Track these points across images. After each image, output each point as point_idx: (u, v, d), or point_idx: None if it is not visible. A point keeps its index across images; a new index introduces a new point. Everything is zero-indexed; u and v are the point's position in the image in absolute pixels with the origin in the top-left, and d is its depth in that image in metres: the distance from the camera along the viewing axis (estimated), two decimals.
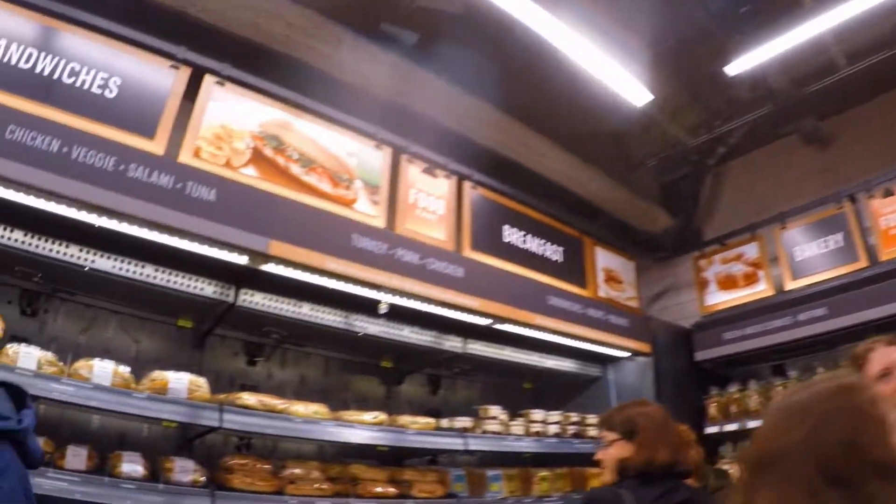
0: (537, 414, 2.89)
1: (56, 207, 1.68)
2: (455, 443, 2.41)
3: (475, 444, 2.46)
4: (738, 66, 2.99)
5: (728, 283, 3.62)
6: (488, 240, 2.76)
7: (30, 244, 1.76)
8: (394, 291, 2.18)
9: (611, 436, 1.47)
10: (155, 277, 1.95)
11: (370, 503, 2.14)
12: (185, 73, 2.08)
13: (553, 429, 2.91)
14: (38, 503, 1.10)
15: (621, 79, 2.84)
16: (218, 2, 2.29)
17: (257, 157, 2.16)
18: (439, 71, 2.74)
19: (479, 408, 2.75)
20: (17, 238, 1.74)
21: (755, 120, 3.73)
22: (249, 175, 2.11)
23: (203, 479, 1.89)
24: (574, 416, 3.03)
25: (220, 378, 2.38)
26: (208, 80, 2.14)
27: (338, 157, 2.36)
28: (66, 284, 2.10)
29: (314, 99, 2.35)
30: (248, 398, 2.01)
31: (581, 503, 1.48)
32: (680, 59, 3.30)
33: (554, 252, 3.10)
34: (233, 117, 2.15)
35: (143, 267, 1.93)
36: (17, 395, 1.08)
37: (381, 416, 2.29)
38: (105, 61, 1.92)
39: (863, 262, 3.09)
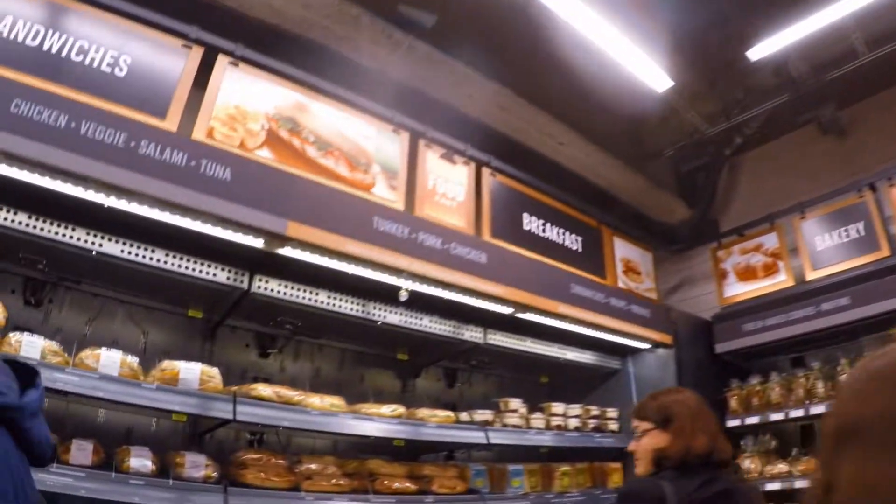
0: (558, 407, 2.80)
1: (63, 186, 1.59)
2: (476, 436, 2.33)
3: (496, 438, 2.38)
4: (761, 50, 2.93)
5: (747, 273, 3.55)
6: (508, 228, 2.68)
7: (35, 227, 1.67)
8: (415, 277, 2.09)
9: (644, 425, 1.41)
10: (165, 263, 1.86)
11: (389, 499, 2.05)
12: (197, 53, 2.01)
13: (573, 422, 2.83)
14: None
15: (642, 63, 2.78)
16: None
17: (272, 139, 2.08)
18: (458, 54, 2.66)
19: (500, 400, 2.67)
20: (21, 221, 1.65)
21: (773, 109, 3.67)
22: (265, 157, 2.03)
23: (215, 474, 1.80)
24: (594, 410, 2.95)
25: (231, 371, 2.28)
26: (222, 61, 2.07)
27: (355, 140, 2.28)
28: (71, 272, 2.01)
29: (330, 82, 2.27)
30: (264, 389, 1.92)
31: (620, 495, 1.40)
32: (698, 45, 3.24)
33: (573, 241, 3.03)
34: (247, 98, 2.08)
35: (153, 252, 1.84)
36: (26, 375, 0.95)
37: (400, 409, 2.20)
38: (115, 39, 1.86)
39: (884, 252, 3.03)
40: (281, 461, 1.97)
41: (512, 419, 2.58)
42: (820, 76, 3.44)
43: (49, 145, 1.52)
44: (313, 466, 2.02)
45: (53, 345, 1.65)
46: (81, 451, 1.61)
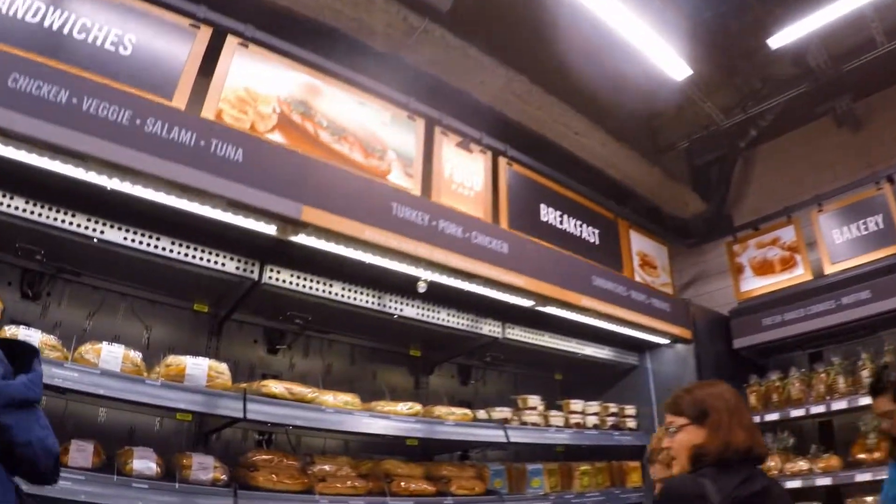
0: (576, 404, 2.72)
1: (62, 167, 1.49)
2: (496, 435, 2.23)
3: (516, 437, 2.28)
4: (782, 38, 2.87)
5: (764, 268, 3.49)
6: (526, 218, 2.60)
7: (32, 212, 1.56)
8: (435, 267, 1.99)
9: (679, 421, 1.32)
10: (171, 251, 1.75)
11: (407, 502, 1.94)
12: (205, 33, 1.92)
13: (592, 420, 2.75)
14: None
15: (660, 51, 2.71)
16: None
17: (284, 123, 1.98)
18: (473, 40, 2.57)
19: (518, 398, 2.57)
20: (17, 206, 1.54)
21: (789, 100, 3.62)
22: (277, 141, 1.93)
23: (224, 477, 1.69)
24: (612, 407, 2.87)
25: (238, 368, 2.19)
26: (231, 41, 1.97)
27: (369, 126, 2.19)
28: (71, 263, 1.90)
29: (343, 66, 2.18)
30: (275, 386, 1.81)
31: (659, 495, 1.32)
32: (718, 34, 3.18)
33: (590, 234, 2.95)
34: (257, 81, 1.98)
35: (157, 240, 1.73)
36: (22, 358, 0.79)
37: (417, 407, 2.10)
38: (119, 17, 1.77)
39: None
40: (293, 462, 1.87)
41: (531, 417, 2.49)
42: (838, 66, 3.39)
43: (48, 122, 1.41)
44: (327, 467, 1.92)
45: (51, 339, 1.55)
46: (81, 452, 1.51)
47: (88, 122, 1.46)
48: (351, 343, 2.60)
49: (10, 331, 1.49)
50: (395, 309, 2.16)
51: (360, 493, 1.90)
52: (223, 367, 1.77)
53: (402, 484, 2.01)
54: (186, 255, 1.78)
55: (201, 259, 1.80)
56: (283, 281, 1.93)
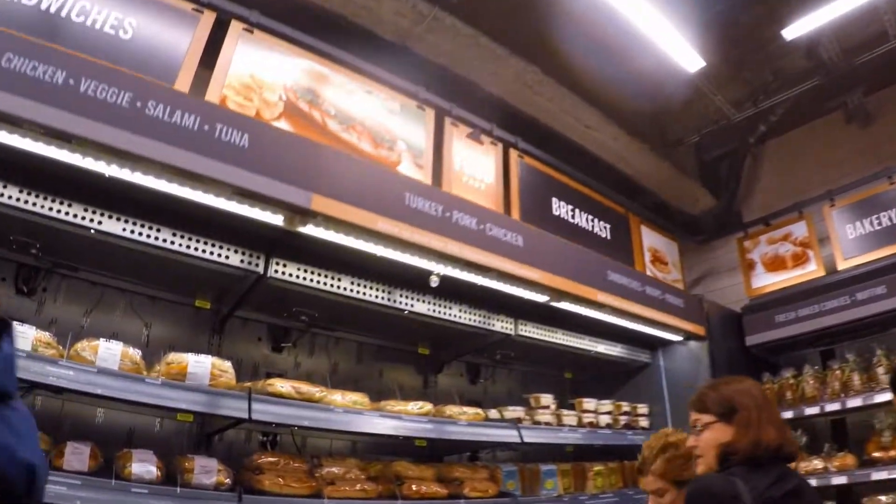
0: (589, 403, 2.65)
1: (59, 153, 1.41)
2: (509, 435, 2.15)
3: (530, 437, 2.21)
4: (796, 29, 2.83)
5: (776, 264, 3.44)
6: (538, 212, 2.54)
7: (27, 202, 1.48)
8: (448, 260, 1.91)
9: (705, 418, 1.26)
10: (173, 244, 1.66)
11: None
12: (209, 18, 1.85)
13: (604, 419, 2.68)
14: None
15: (673, 42, 2.66)
16: None
17: (291, 110, 1.91)
18: (484, 29, 2.51)
19: (530, 396, 2.50)
20: (11, 195, 1.46)
21: (800, 94, 3.57)
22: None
23: (228, 480, 1.60)
24: (625, 406, 2.80)
25: (241, 366, 2.10)
26: (235, 27, 1.90)
27: (378, 115, 2.12)
28: (68, 257, 1.81)
29: (352, 54, 2.11)
30: (282, 385, 1.73)
31: (690, 494, 1.25)
32: (730, 25, 3.12)
33: (602, 228, 2.89)
34: (263, 67, 1.91)
35: (158, 231, 1.65)
36: None
37: (428, 406, 2.03)
38: (119, 0, 1.70)
39: None
40: (300, 465, 1.78)
41: (544, 416, 2.42)
42: (850, 59, 3.34)
43: (44, 104, 1.33)
44: (335, 470, 1.84)
45: (46, 336, 1.46)
46: (77, 455, 1.43)
47: (86, 105, 1.39)
48: (358, 341, 2.51)
49: None
50: (406, 304, 2.08)
51: (371, 497, 1.82)
52: (227, 364, 1.68)
53: (414, 487, 1.93)
54: (188, 247, 1.69)
55: (204, 252, 1.72)
56: (290, 275, 1.85)
